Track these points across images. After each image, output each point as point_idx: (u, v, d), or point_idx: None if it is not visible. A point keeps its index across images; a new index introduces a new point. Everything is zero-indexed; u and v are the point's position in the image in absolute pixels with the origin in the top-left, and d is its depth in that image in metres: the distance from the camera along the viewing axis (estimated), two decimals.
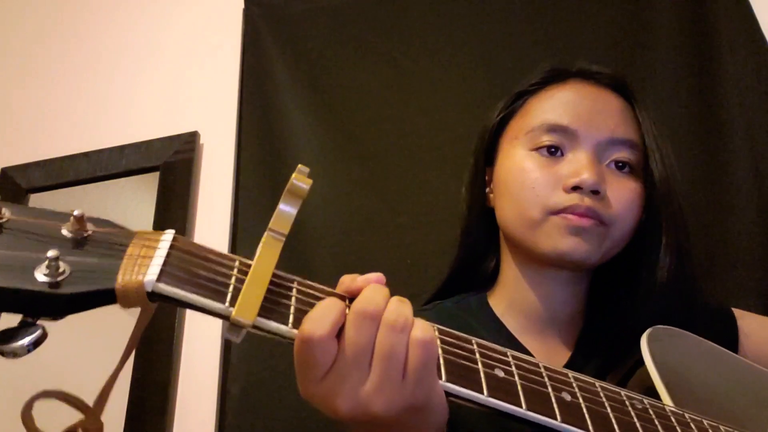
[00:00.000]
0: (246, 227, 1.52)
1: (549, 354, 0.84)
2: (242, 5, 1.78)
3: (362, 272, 1.41)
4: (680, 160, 1.31)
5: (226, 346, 1.41)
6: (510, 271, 0.90)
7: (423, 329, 0.52)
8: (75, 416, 0.48)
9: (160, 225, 1.58)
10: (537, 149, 0.85)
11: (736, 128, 1.32)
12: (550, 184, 0.82)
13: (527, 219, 0.82)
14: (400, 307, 0.53)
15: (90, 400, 0.48)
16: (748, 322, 0.92)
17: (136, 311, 0.48)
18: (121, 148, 1.70)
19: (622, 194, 0.82)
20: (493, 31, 1.57)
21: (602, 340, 0.83)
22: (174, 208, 1.59)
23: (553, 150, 0.84)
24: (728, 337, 0.89)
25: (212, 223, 1.58)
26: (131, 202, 1.68)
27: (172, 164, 1.65)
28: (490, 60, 1.53)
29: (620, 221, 0.81)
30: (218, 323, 1.34)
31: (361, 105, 1.58)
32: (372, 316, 0.51)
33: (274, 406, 1.33)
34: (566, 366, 0.82)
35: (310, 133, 1.58)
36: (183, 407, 1.41)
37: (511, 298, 0.89)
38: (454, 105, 1.51)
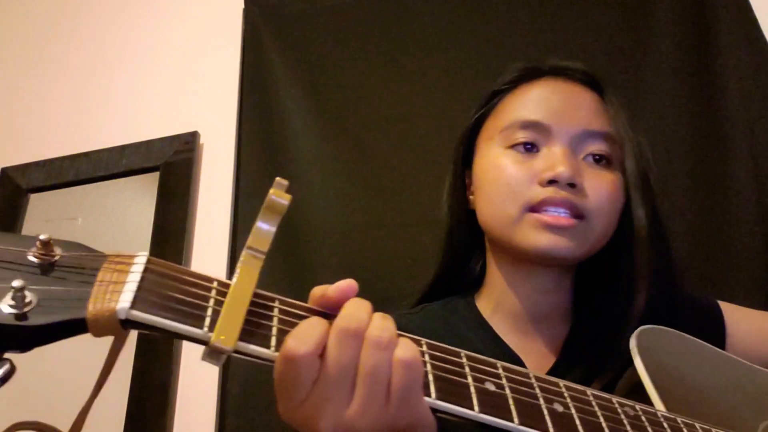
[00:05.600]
0: (246, 227, 1.50)
1: (537, 354, 0.85)
2: (242, 5, 1.78)
3: (363, 272, 1.41)
4: (680, 161, 1.32)
5: None
6: (494, 272, 0.90)
7: (406, 349, 0.50)
8: None
9: (160, 225, 1.58)
10: (512, 146, 0.85)
11: (736, 128, 1.32)
12: (526, 179, 0.82)
13: (505, 216, 0.82)
14: (383, 323, 0.51)
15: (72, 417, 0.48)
16: (734, 315, 0.92)
17: None
18: (121, 148, 1.70)
19: (600, 185, 0.82)
20: (493, 31, 1.56)
21: (590, 339, 0.83)
22: (174, 208, 1.59)
23: (528, 146, 0.84)
24: (715, 330, 0.90)
25: (212, 223, 1.58)
26: (131, 202, 1.68)
27: (172, 164, 1.65)
28: (490, 59, 1.52)
29: (599, 212, 0.81)
30: None
31: (361, 105, 1.58)
32: (355, 334, 0.49)
33: (274, 406, 1.32)
34: (554, 366, 0.83)
35: (310, 133, 1.57)
36: (183, 407, 1.41)
37: (498, 299, 0.89)
38: (454, 104, 1.50)
